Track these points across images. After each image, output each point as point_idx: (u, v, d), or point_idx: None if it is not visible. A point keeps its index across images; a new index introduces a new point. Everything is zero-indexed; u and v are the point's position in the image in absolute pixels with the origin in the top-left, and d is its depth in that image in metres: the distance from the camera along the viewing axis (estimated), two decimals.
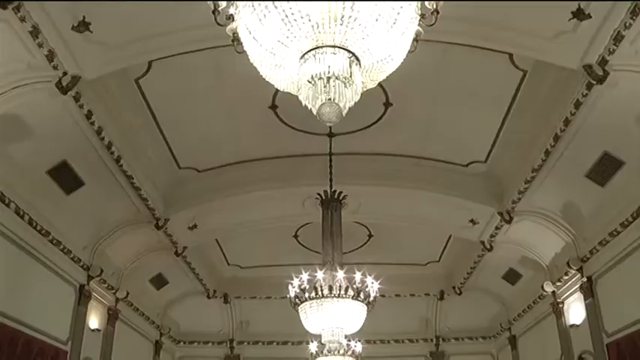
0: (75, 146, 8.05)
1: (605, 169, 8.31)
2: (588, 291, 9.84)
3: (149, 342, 13.75)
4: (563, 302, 10.95)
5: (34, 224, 8.38)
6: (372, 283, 7.81)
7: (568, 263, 10.05)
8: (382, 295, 8.34)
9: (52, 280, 9.23)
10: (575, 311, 10.48)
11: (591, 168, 8.44)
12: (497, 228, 10.73)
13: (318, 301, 7.55)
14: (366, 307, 7.78)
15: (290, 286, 7.78)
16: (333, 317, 7.62)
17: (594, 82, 6.74)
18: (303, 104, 3.14)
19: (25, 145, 7.49)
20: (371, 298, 7.75)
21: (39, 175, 8.12)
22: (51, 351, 9.01)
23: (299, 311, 7.80)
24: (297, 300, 7.73)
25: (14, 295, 8.17)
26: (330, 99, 2.93)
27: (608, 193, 8.63)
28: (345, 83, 2.94)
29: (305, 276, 7.65)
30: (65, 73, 6.68)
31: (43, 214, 8.57)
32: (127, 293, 11.43)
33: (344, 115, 3.07)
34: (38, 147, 7.66)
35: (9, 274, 8.08)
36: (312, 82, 2.97)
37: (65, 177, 8.51)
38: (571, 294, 10.62)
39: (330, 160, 9.05)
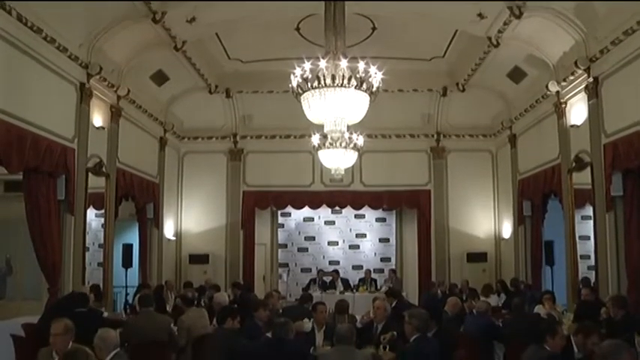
0: None
1: None
2: (593, 92, 9.75)
3: (154, 138, 13.99)
4: (566, 102, 10.91)
5: (24, 20, 8.03)
6: (376, 73, 7.66)
7: (576, 63, 9.81)
8: (385, 90, 8.28)
9: (51, 80, 9.14)
10: (577, 112, 10.50)
11: None
12: (505, 23, 10.32)
13: (321, 90, 7.48)
14: (368, 98, 7.75)
15: (292, 76, 7.66)
16: (336, 106, 7.58)
17: None
18: None
19: None
20: (374, 89, 7.68)
21: None
22: (58, 149, 9.20)
23: (301, 101, 7.79)
24: (299, 90, 7.68)
25: (16, 95, 8.14)
26: None
27: None
28: None
29: (307, 65, 7.50)
30: None
31: (33, 10, 8.16)
32: (129, 90, 11.35)
33: None
34: None
35: (8, 75, 7.96)
36: None
37: None
38: (575, 94, 10.55)
39: None
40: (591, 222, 10.22)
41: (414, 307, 8.36)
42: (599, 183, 9.61)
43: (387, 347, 6.31)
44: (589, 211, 10.43)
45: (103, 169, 10.79)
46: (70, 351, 4.41)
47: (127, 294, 12.21)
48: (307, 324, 7.47)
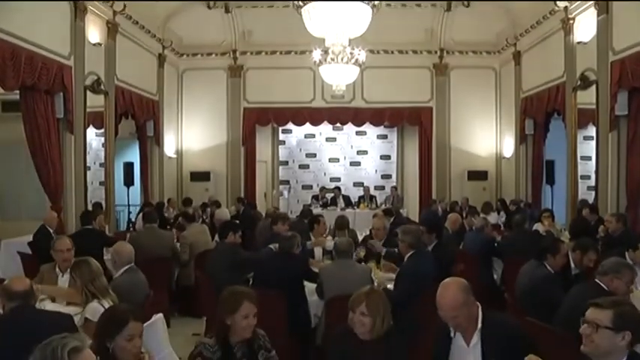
0: None
1: None
2: (603, 7, 9.46)
3: (152, 55, 13.71)
4: (573, 18, 10.61)
5: None
6: None
7: None
8: (387, 4, 8.05)
9: None
10: (585, 28, 10.21)
11: None
12: None
13: (322, 2, 7.31)
14: (370, 10, 7.56)
15: None
16: (337, 18, 7.44)
17: None
18: None
19: None
20: (376, 1, 7.49)
21: None
22: (54, 66, 9.05)
23: (302, 14, 7.61)
24: (300, 2, 7.49)
25: (7, 11, 7.90)
26: None
27: None
28: None
29: None
30: None
31: None
32: (124, 5, 11.04)
33: None
34: None
35: None
36: None
37: None
38: (584, 10, 10.24)
39: None
40: (593, 143, 10.20)
41: (411, 223, 8.42)
42: (603, 102, 9.50)
43: None
44: (591, 131, 10.39)
45: (102, 87, 10.63)
46: (77, 261, 4.57)
47: (129, 212, 12.33)
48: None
